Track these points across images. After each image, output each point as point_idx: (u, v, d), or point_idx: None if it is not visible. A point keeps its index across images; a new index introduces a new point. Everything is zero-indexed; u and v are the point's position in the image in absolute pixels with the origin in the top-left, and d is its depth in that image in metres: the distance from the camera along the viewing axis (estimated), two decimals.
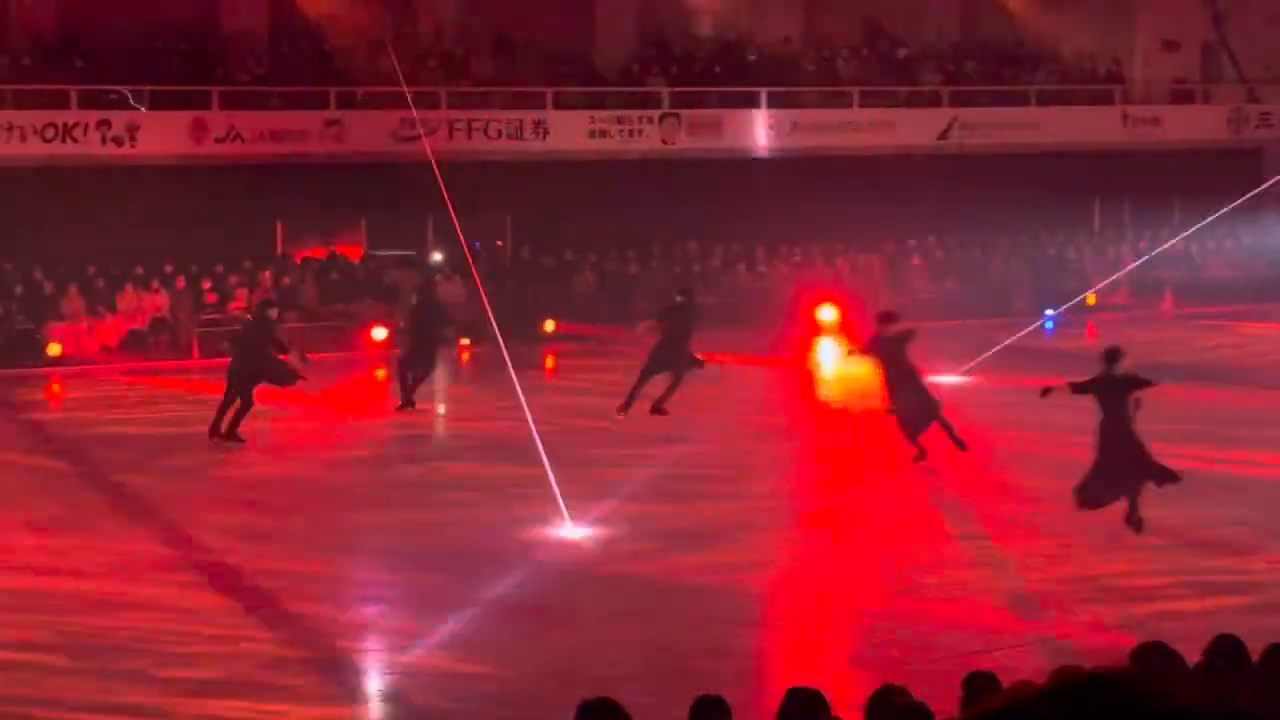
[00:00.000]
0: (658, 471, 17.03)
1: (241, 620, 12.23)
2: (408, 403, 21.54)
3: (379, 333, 26.44)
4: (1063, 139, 33.64)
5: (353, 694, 11.01)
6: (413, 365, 21.85)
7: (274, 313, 20.56)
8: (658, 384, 19.98)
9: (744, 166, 31.61)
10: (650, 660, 11.17)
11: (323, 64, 31.03)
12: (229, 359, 20.13)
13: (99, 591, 12.93)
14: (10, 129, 27.62)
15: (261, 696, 10.62)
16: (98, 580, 13.24)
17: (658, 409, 19.85)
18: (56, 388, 24.20)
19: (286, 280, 29.58)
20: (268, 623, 12.18)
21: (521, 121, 30.86)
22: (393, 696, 10.92)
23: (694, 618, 12.24)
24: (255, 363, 19.60)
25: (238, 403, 19.24)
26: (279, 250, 30.78)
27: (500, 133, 30.73)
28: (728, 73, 33.41)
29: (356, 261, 30.91)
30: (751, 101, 32.49)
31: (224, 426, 19.07)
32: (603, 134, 31.19)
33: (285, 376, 19.69)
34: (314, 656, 11.51)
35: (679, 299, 21.46)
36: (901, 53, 35.12)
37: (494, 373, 25.08)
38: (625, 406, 20.04)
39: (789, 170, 31.63)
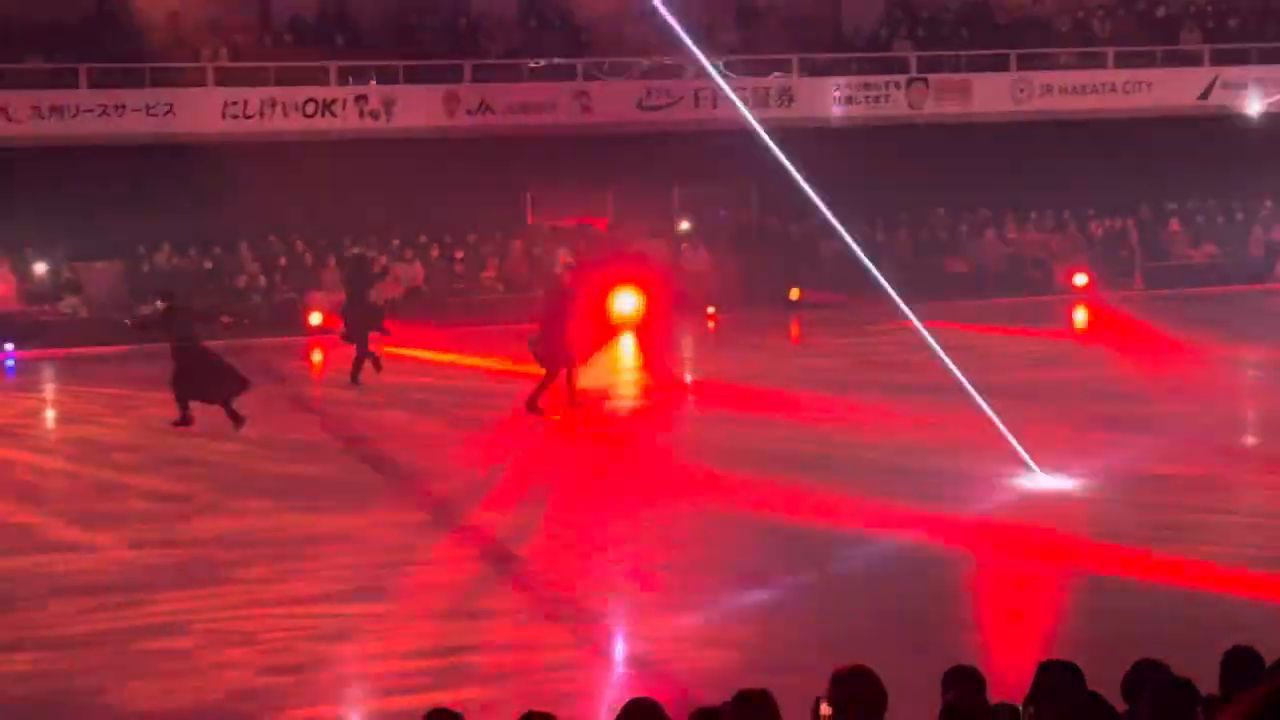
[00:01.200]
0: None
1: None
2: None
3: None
4: None
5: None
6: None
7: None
8: None
9: (992, 130, 31.02)
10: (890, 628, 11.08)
11: (571, 37, 31.42)
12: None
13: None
14: (273, 104, 28.62)
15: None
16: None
17: None
18: (318, 356, 24.99)
19: (536, 250, 30.10)
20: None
21: (767, 89, 30.81)
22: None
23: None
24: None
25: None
26: (529, 220, 31.32)
27: (746, 100, 30.68)
28: (976, 35, 32.81)
29: (604, 231, 31.26)
30: (1001, 64, 31.86)
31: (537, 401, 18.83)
32: (849, 100, 30.97)
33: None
34: None
35: None
36: (1160, 11, 34.03)
37: (738, 338, 25.33)
38: None
39: (1039, 134, 30.96)
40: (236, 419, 17.02)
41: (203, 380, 16.95)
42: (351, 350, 21.09)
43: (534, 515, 14.10)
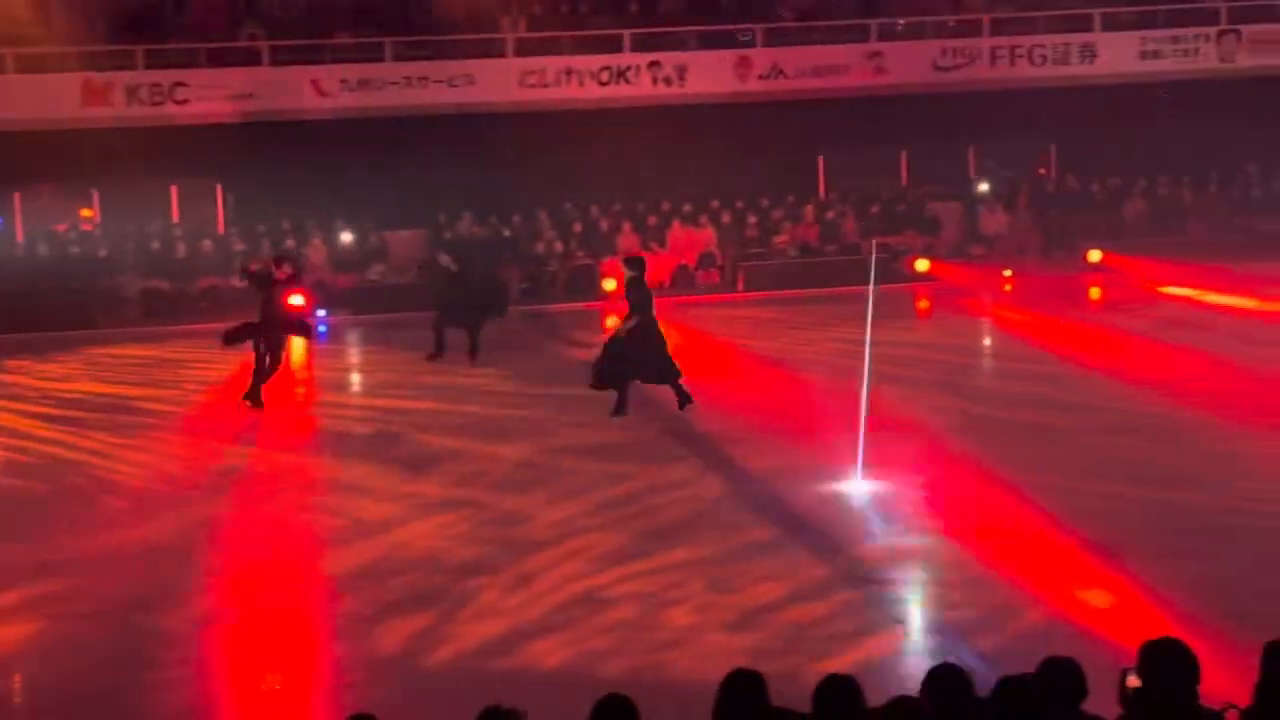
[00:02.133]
0: None
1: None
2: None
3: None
4: None
5: None
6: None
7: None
8: None
9: None
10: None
11: None
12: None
13: None
14: (569, 73, 29.08)
15: None
16: None
17: None
18: (612, 320, 25.30)
19: (829, 214, 29.93)
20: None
21: (1067, 45, 29.96)
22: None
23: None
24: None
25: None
26: (821, 183, 31.16)
27: (1045, 58, 29.94)
28: None
29: (897, 193, 30.89)
30: None
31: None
32: (1155, 54, 29.89)
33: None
34: None
35: None
36: None
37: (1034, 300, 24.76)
38: None
39: None
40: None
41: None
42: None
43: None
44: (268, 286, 18.26)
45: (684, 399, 16.53)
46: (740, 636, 10.04)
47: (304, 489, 14.50)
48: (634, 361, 16.26)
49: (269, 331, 17.96)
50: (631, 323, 16.12)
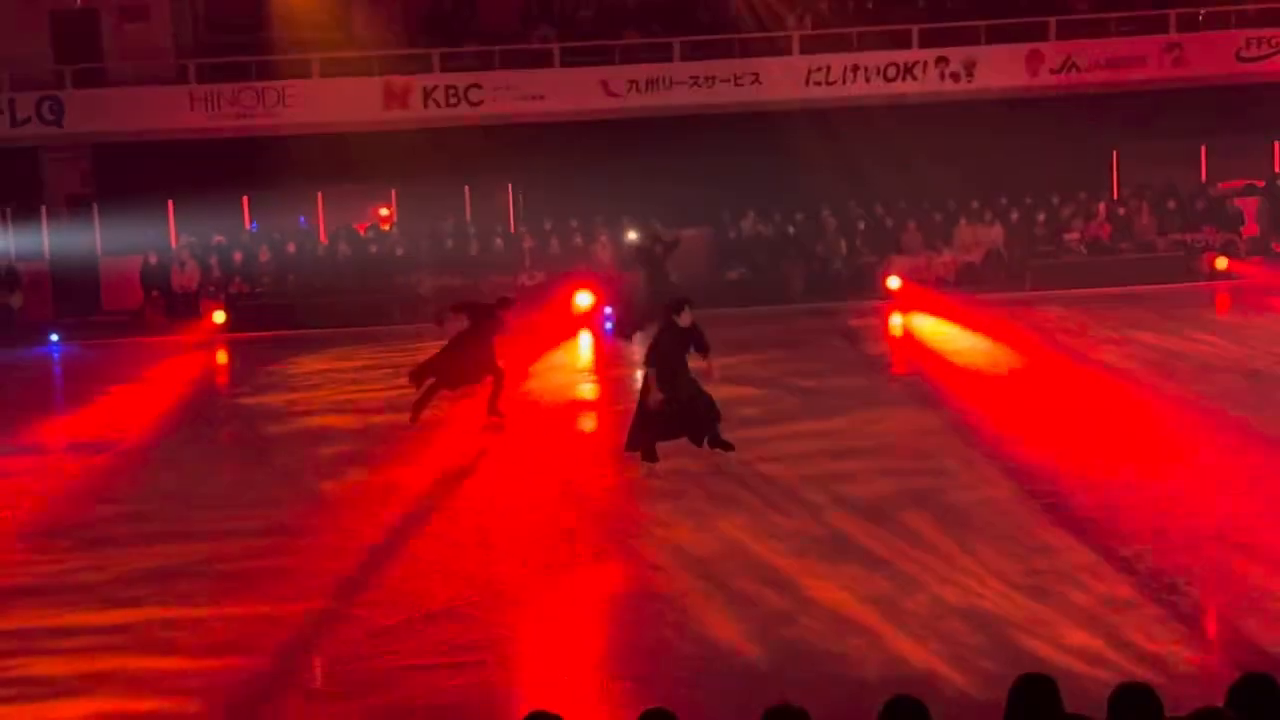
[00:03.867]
0: None
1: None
2: None
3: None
4: None
5: None
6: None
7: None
8: None
9: None
10: None
11: None
12: None
13: None
14: (855, 70, 28.92)
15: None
16: None
17: None
18: (897, 319, 25.12)
19: (1122, 210, 29.14)
20: None
21: None
22: None
23: None
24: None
25: None
26: (1114, 179, 30.34)
27: None
28: None
29: (1196, 189, 29.88)
30: None
31: None
32: None
33: None
34: None
35: None
36: None
37: None
38: None
39: None
40: None
41: None
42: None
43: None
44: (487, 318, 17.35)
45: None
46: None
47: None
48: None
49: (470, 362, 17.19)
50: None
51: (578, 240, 28.82)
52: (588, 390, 20.43)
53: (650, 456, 14.56)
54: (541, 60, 29.31)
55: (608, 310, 26.03)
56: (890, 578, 11.21)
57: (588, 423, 18.29)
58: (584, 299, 26.31)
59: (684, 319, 14.37)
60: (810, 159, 27.88)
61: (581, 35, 29.85)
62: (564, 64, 29.12)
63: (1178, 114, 28.57)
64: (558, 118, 28.65)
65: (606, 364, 22.48)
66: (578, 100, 28.75)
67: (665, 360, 14.33)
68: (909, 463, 14.77)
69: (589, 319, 25.90)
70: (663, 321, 14.69)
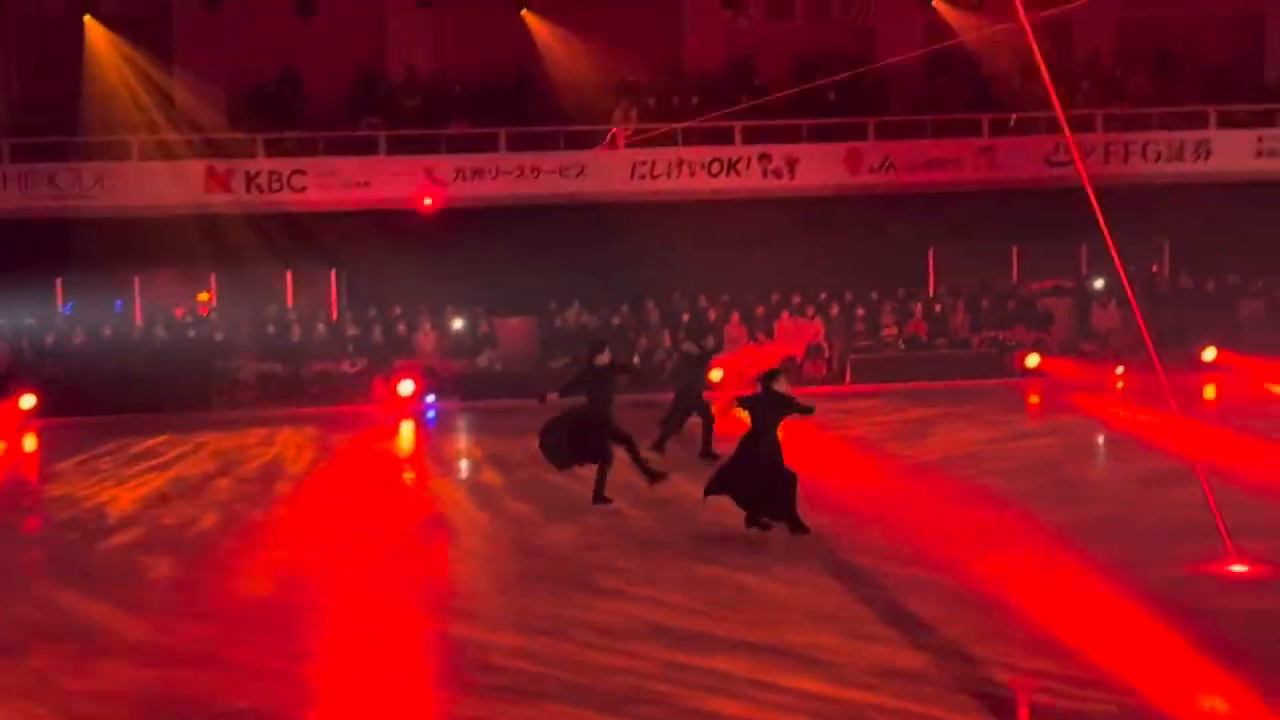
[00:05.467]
0: None
1: None
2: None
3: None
4: None
5: None
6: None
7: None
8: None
9: None
10: None
11: (977, 91, 31.09)
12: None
13: None
14: (680, 165, 29.33)
15: None
16: None
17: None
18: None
19: (938, 308, 29.82)
20: None
21: (1182, 142, 29.76)
22: None
23: None
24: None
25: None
26: (931, 277, 31.07)
27: (1159, 155, 29.77)
28: None
29: (1008, 288, 30.72)
30: None
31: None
32: (1272, 153, 29.59)
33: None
34: None
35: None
36: None
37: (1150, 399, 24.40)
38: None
39: None
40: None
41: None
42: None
43: None
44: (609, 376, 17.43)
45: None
46: None
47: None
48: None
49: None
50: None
51: (401, 329, 28.67)
52: (406, 479, 20.23)
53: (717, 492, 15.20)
54: (367, 148, 29.25)
55: (430, 399, 25.92)
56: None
57: (407, 510, 18.08)
58: (407, 387, 26.16)
59: (780, 384, 15.23)
60: (635, 251, 28.14)
61: (408, 124, 29.87)
62: (389, 152, 29.10)
63: (991, 215, 29.43)
64: (383, 205, 28.59)
65: (426, 452, 22.31)
66: (403, 188, 28.73)
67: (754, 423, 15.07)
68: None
69: (411, 407, 25.73)
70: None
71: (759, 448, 15.03)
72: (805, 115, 30.13)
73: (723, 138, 29.58)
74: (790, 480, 15.03)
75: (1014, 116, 30.14)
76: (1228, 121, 30.07)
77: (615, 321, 29.23)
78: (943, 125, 29.99)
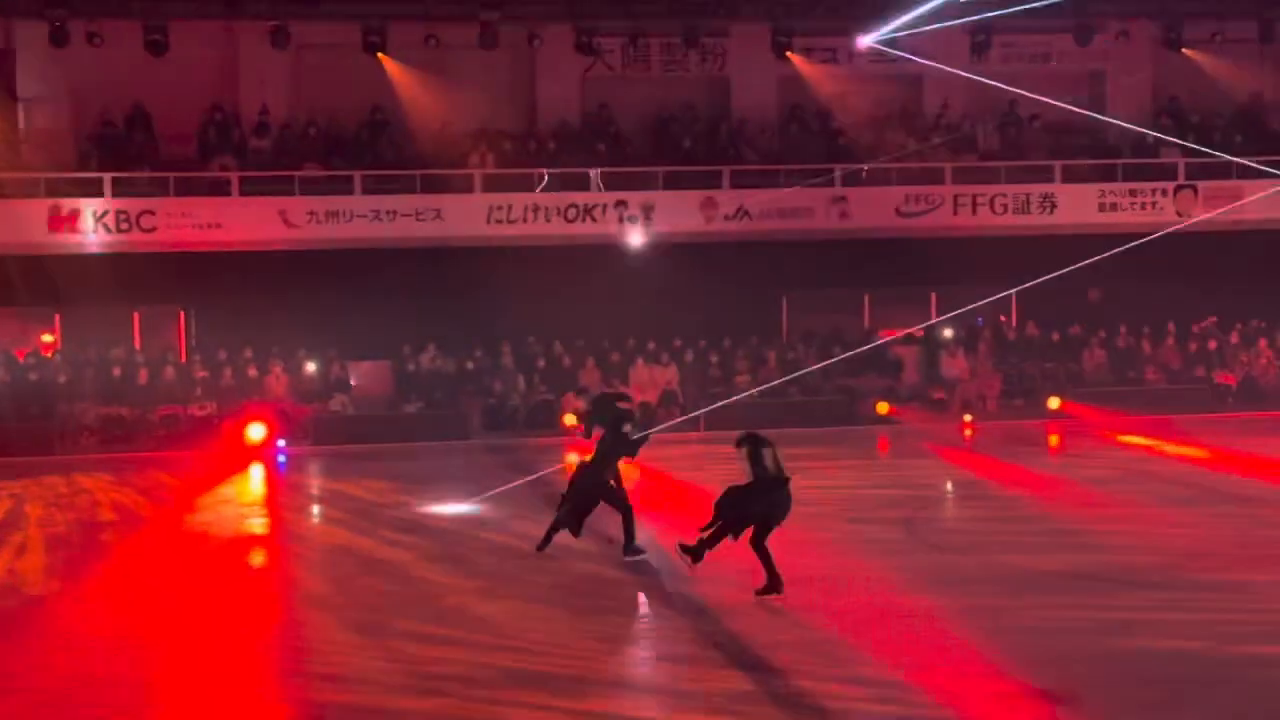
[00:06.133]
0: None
1: None
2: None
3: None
4: None
5: None
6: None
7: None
8: None
9: (1264, 239, 30.11)
10: None
11: (829, 142, 31.55)
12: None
13: None
14: (536, 210, 29.34)
15: None
16: None
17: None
18: (572, 458, 25.21)
19: (791, 355, 30.11)
20: None
21: (1028, 195, 30.44)
22: None
23: None
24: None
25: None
26: (784, 324, 31.37)
27: (1006, 207, 30.41)
28: (1249, 142, 31.93)
29: (860, 336, 31.12)
30: (1274, 171, 30.88)
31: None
32: (1114, 207, 30.39)
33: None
34: None
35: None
36: None
37: (997, 448, 24.84)
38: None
39: None
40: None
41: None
42: None
43: None
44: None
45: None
46: None
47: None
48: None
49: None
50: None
51: (252, 371, 28.27)
52: (257, 525, 19.90)
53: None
54: (219, 189, 28.87)
55: (280, 443, 25.57)
56: None
57: (256, 557, 17.79)
58: (257, 431, 25.78)
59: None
60: (491, 296, 28.10)
61: (261, 165, 29.55)
62: (243, 193, 28.75)
63: (843, 264, 29.85)
64: (234, 247, 28.23)
65: (278, 498, 21.98)
66: (255, 230, 28.39)
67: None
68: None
69: (261, 452, 25.36)
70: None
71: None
72: (661, 161, 30.34)
73: (579, 183, 29.65)
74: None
75: (866, 167, 30.63)
76: (1072, 176, 30.83)
77: (470, 366, 29.11)
78: (796, 174, 30.37)
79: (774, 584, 14.14)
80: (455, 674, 12.12)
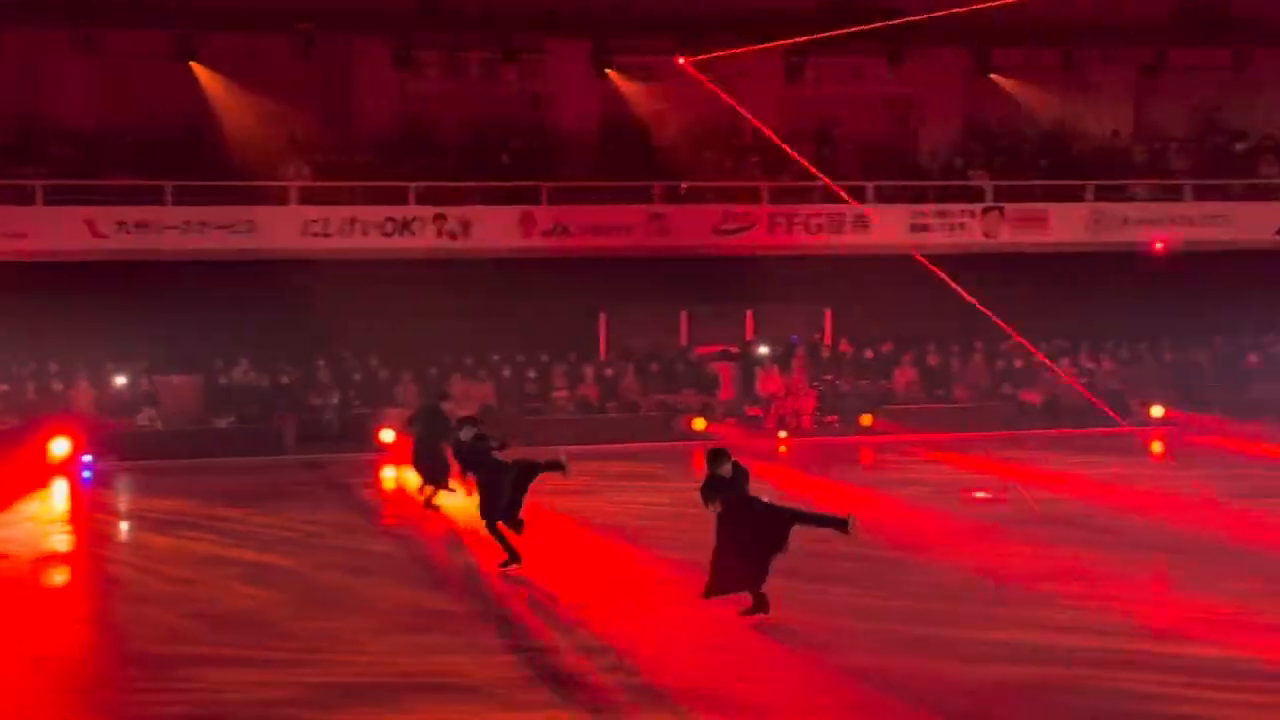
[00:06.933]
0: None
1: None
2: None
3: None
4: None
5: None
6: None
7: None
8: None
9: (1068, 260, 31.01)
10: None
11: (648, 159, 31.74)
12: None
13: None
14: (353, 223, 29.02)
15: None
16: None
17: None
18: (389, 472, 24.99)
19: (609, 371, 30.19)
20: None
21: (842, 215, 30.94)
22: None
23: None
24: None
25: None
26: (602, 341, 31.45)
27: (820, 227, 30.87)
28: (1053, 166, 32.88)
29: (677, 353, 31.33)
30: (1077, 195, 31.89)
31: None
32: (924, 228, 31.02)
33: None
34: None
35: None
36: (1239, 145, 33.97)
37: (809, 463, 25.18)
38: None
39: (1115, 264, 30.93)
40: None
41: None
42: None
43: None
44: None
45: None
46: None
47: None
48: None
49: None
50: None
51: (56, 385, 27.51)
52: (59, 542, 19.36)
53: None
54: (24, 197, 28.06)
55: (86, 458, 24.92)
56: None
57: (56, 576, 17.32)
58: (61, 446, 25.10)
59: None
60: (306, 309, 27.73)
61: (68, 174, 28.78)
62: (48, 202, 27.99)
63: (661, 280, 30.03)
64: (39, 257, 27.46)
65: (82, 515, 21.41)
66: (61, 240, 27.66)
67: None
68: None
69: (66, 467, 24.68)
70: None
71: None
72: (479, 177, 30.23)
73: (397, 197, 29.41)
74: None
75: (684, 185, 30.87)
76: (884, 197, 31.41)
77: (284, 380, 28.68)
78: (615, 191, 30.47)
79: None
80: (252, 699, 11.91)
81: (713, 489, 14.06)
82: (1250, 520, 19.24)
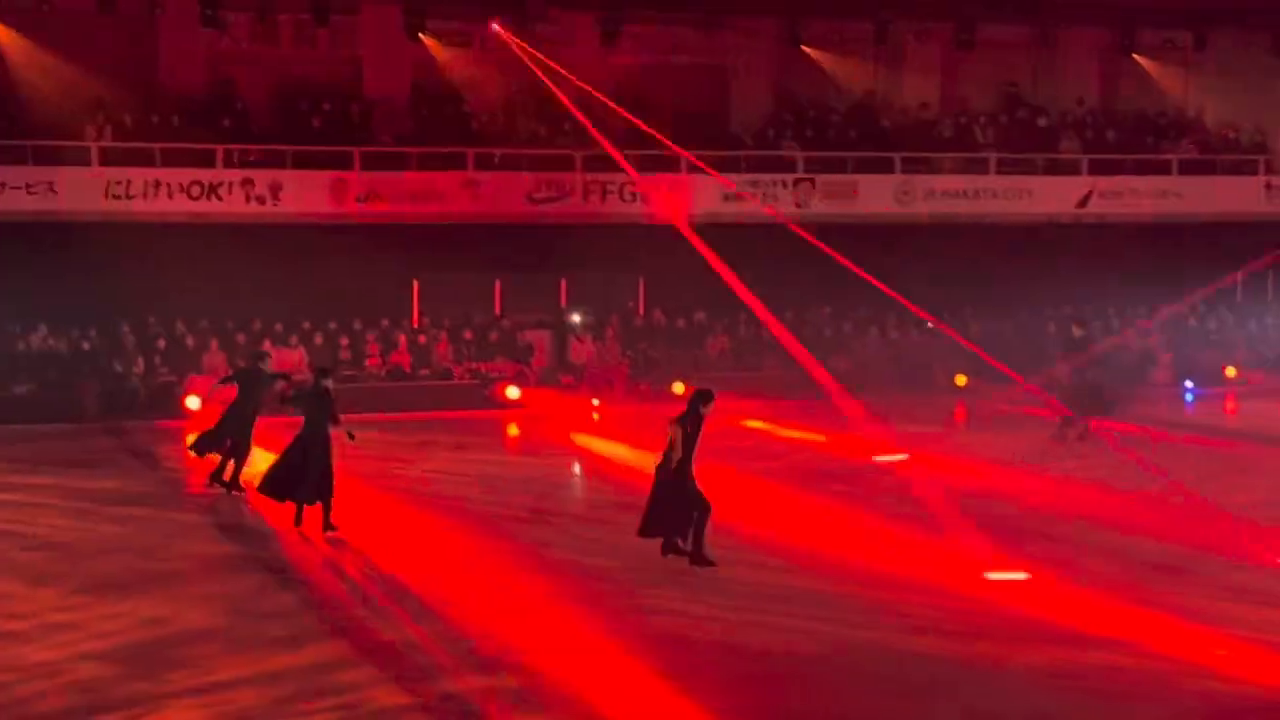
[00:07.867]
0: None
1: None
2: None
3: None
4: (1204, 209, 33.28)
5: None
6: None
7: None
8: None
9: (878, 232, 31.51)
10: None
11: (462, 126, 31.50)
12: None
13: None
14: (158, 186, 28.37)
15: None
16: None
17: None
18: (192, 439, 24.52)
19: (422, 339, 29.96)
20: None
21: (657, 185, 31.04)
22: None
23: None
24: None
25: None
26: (415, 308, 31.18)
27: (634, 196, 30.95)
28: (863, 138, 33.38)
29: (491, 321, 31.20)
30: (886, 167, 32.43)
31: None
32: (737, 198, 31.29)
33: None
34: None
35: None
36: (1041, 120, 34.84)
37: (621, 432, 25.28)
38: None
39: (924, 236, 31.52)
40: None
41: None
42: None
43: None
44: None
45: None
46: None
47: None
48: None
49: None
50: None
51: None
52: None
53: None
54: None
55: None
56: None
57: None
58: None
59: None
60: (109, 274, 27.02)
61: None
62: None
63: (475, 248, 29.85)
64: None
65: None
66: None
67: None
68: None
69: None
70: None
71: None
72: (290, 141, 29.72)
73: (204, 160, 28.79)
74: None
75: (498, 153, 30.71)
76: (699, 166, 31.56)
77: (85, 346, 27.94)
78: (428, 158, 30.19)
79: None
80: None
81: (687, 422, 15.21)
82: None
